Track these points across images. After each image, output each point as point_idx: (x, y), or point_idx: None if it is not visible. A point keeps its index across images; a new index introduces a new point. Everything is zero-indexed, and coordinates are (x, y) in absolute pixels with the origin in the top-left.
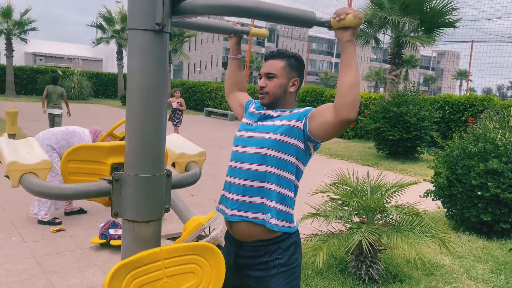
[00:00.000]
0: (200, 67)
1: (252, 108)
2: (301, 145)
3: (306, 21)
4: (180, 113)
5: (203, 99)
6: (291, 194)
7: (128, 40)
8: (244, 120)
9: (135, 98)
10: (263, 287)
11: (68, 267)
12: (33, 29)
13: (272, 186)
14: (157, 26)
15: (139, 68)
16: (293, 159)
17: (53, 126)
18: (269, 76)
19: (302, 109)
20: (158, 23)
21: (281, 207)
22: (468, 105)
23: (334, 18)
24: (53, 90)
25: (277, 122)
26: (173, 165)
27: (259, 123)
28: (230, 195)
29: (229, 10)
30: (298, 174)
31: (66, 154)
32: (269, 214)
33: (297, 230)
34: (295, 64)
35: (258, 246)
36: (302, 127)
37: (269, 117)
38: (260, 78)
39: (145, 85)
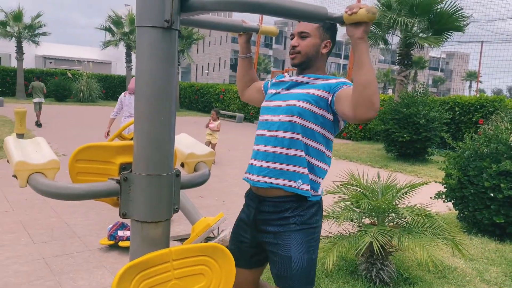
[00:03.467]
0: (208, 69)
1: (275, 80)
2: (330, 116)
3: (317, 16)
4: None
5: (211, 101)
6: (320, 164)
7: (136, 38)
8: (272, 90)
9: (144, 96)
10: (282, 242)
11: (76, 269)
12: (44, 34)
13: (302, 154)
14: (166, 23)
15: (148, 66)
16: (319, 129)
17: (38, 110)
18: (302, 35)
19: (334, 80)
20: (167, 20)
21: (311, 175)
22: (478, 106)
23: (346, 12)
24: (37, 85)
25: (305, 90)
26: (182, 165)
27: (288, 91)
28: (257, 162)
29: (239, 5)
30: (328, 143)
31: (74, 153)
32: (300, 181)
33: (321, 198)
34: (329, 26)
35: (281, 202)
36: (329, 101)
37: (298, 84)
38: (293, 38)
39: (154, 83)
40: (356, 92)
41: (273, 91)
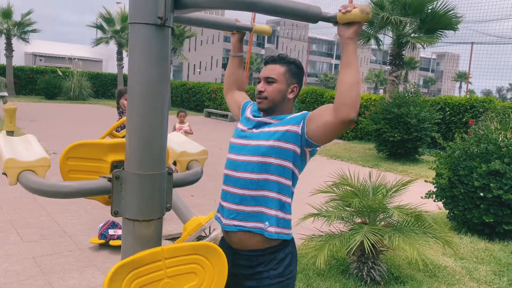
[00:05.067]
0: (200, 68)
1: (248, 113)
2: (298, 150)
3: (311, 16)
4: None
5: (203, 100)
6: (289, 200)
7: (129, 35)
8: (239, 126)
9: (136, 93)
10: None
11: (67, 268)
12: (34, 31)
13: (272, 194)
14: (159, 20)
15: (141, 63)
16: (290, 165)
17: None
18: (269, 80)
19: (298, 114)
20: (160, 17)
21: (281, 214)
22: (468, 107)
23: (341, 11)
24: (0, 80)
25: (272, 128)
26: (174, 163)
27: (254, 130)
28: (226, 204)
29: (232, 3)
30: (294, 180)
31: (65, 151)
32: (267, 223)
33: (293, 239)
34: (296, 70)
35: (254, 256)
36: (300, 131)
37: (265, 124)
38: (259, 82)
39: (147, 80)
40: (342, 91)
41: (241, 127)
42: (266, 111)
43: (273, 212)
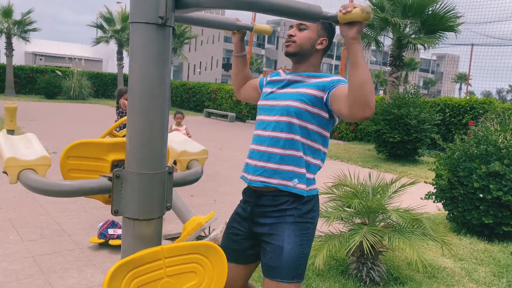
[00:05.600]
0: (200, 68)
1: (269, 78)
2: (325, 114)
3: (312, 15)
4: None
5: (203, 100)
6: (316, 162)
7: (130, 34)
8: (267, 89)
9: (137, 92)
10: (276, 232)
11: (66, 267)
12: (34, 30)
13: (299, 154)
14: (160, 19)
15: (141, 63)
16: (315, 128)
17: None
18: (301, 27)
19: (328, 79)
20: (161, 16)
21: (308, 174)
22: (468, 108)
23: (341, 11)
24: None
25: (300, 89)
26: (175, 163)
27: (283, 90)
28: (253, 162)
29: (233, 3)
30: (324, 141)
31: (65, 150)
32: (296, 180)
33: (317, 195)
34: (328, 26)
35: (279, 196)
36: (325, 99)
37: (292, 83)
38: (291, 28)
39: (147, 79)
40: (352, 92)
41: (268, 89)
42: (293, 55)
43: (298, 169)
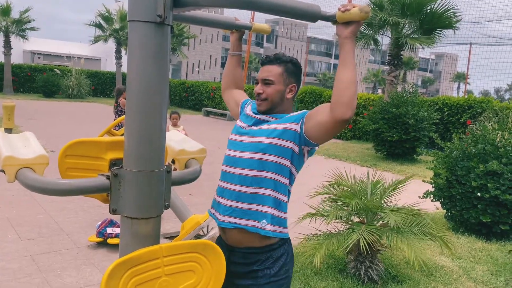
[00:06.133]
0: (198, 67)
1: (248, 110)
2: (296, 149)
3: (311, 15)
4: None
5: (202, 99)
6: (285, 199)
7: (128, 33)
8: (239, 123)
9: (135, 91)
10: None
11: (64, 266)
12: (32, 28)
13: (268, 192)
14: (158, 18)
15: (140, 61)
16: (288, 163)
17: None
18: (266, 82)
19: (298, 112)
20: (160, 15)
21: (276, 212)
22: (466, 107)
23: (340, 9)
24: None
25: (272, 126)
26: (173, 162)
27: (253, 127)
28: (223, 201)
29: (232, 1)
30: (292, 179)
31: (63, 149)
32: (264, 221)
33: (289, 239)
34: (293, 69)
35: (250, 254)
36: (298, 130)
37: (264, 122)
38: (257, 84)
39: (146, 78)
40: (338, 90)
41: (240, 123)
42: (266, 112)
43: (268, 209)
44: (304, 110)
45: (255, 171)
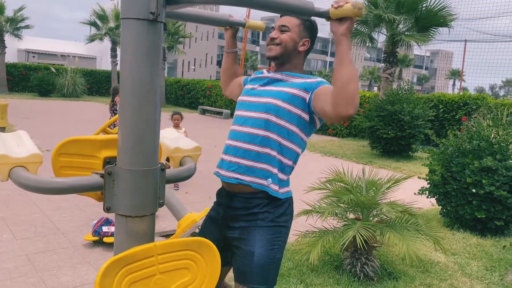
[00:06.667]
0: (194, 65)
1: (253, 75)
2: (305, 116)
3: (304, 11)
4: None
5: (198, 97)
6: (290, 163)
7: (121, 30)
8: (248, 86)
9: (129, 89)
10: (247, 237)
11: (60, 265)
12: (27, 27)
13: (274, 153)
14: (151, 15)
15: (133, 58)
16: (295, 128)
17: None
18: (282, 29)
19: (312, 80)
20: (152, 12)
21: (281, 175)
22: (461, 104)
23: (333, 6)
24: None
25: (281, 88)
26: (168, 160)
27: (264, 87)
28: (227, 157)
29: None
30: (301, 144)
31: (57, 147)
32: (270, 179)
33: (291, 197)
34: (310, 26)
35: (251, 198)
36: (307, 100)
37: (275, 81)
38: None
39: (139, 75)
40: (338, 88)
41: (250, 86)
42: (276, 58)
43: (274, 170)
44: (317, 79)
45: (263, 130)
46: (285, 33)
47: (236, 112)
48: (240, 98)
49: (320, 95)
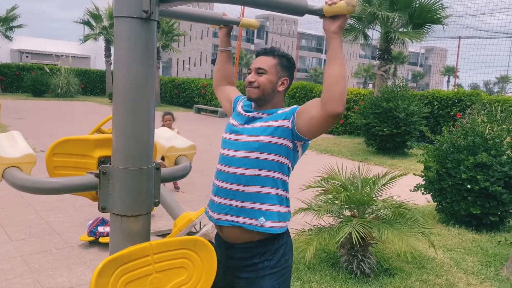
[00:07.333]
0: (189, 64)
1: (239, 108)
2: (290, 144)
3: (298, 9)
4: None
5: (193, 96)
6: (287, 194)
7: (114, 29)
8: (231, 121)
9: (122, 88)
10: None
11: (55, 266)
12: (19, 26)
13: (269, 190)
14: (144, 13)
15: (126, 58)
16: (284, 160)
17: None
18: (259, 71)
19: (288, 108)
20: (146, 10)
21: (281, 208)
22: (456, 100)
23: (327, 3)
24: None
25: (263, 123)
26: (162, 158)
27: (246, 125)
28: (217, 199)
29: None
30: (289, 173)
31: (51, 147)
32: (262, 218)
33: (288, 230)
34: (286, 64)
35: (249, 248)
36: (290, 126)
37: (256, 119)
38: (250, 73)
39: (133, 74)
40: (329, 85)
41: (233, 122)
42: (256, 101)
43: (272, 207)
44: (294, 106)
45: (250, 169)
46: (262, 76)
47: (221, 151)
48: (224, 135)
49: (303, 110)
